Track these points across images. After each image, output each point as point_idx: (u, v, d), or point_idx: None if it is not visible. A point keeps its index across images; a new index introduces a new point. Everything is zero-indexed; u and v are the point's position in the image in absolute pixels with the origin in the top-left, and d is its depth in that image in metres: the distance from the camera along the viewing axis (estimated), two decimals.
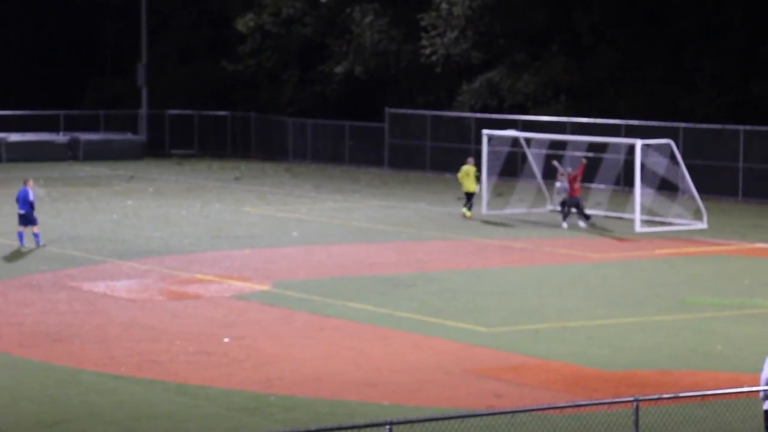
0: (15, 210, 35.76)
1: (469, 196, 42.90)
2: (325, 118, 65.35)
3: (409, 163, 60.52)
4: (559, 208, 41.64)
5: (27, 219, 34.69)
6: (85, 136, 64.84)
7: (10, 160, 61.79)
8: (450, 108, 61.44)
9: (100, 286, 29.54)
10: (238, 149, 67.95)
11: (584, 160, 42.40)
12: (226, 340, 24.08)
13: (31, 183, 35.63)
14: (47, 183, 51.87)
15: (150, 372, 21.70)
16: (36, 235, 34.79)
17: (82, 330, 24.87)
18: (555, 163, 42.85)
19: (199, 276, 31.25)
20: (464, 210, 43.03)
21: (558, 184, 41.15)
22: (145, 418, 18.85)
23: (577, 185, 40.44)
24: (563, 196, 40.68)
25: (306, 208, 45.43)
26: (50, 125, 65.72)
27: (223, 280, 30.68)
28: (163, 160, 65.24)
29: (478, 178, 43.37)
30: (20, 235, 34.74)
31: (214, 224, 40.91)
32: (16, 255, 33.89)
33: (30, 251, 34.31)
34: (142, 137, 67.37)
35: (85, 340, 24.02)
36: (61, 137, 64.65)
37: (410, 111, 61.89)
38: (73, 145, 64.27)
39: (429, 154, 59.81)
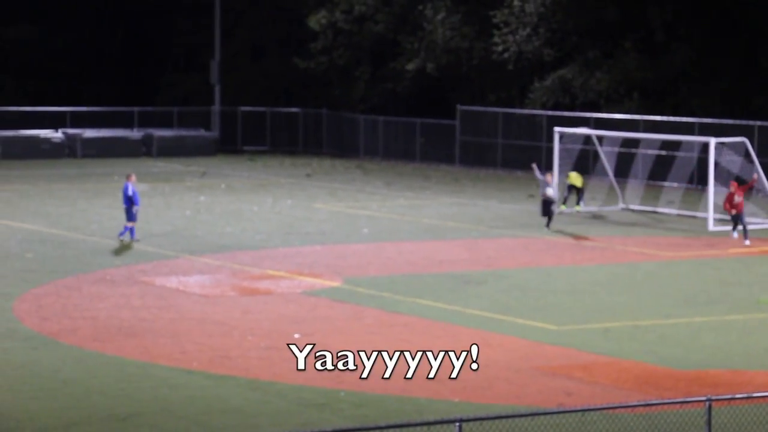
0: (89, 205, 36.34)
1: (577, 191, 43.24)
2: (397, 115, 65.37)
3: (480, 161, 60.39)
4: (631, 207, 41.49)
5: (127, 213, 35.04)
6: (158, 133, 65.40)
7: (86, 155, 62.47)
8: (522, 105, 61.23)
9: (172, 282, 29.78)
10: (310, 146, 68.17)
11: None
12: (296, 336, 24.18)
13: (133, 178, 35.94)
14: (121, 179, 52.34)
15: (221, 367, 21.85)
16: (128, 229, 35.12)
17: (155, 325, 25.09)
18: (534, 166, 41.88)
19: (270, 272, 31.40)
20: (577, 207, 43.49)
21: (538, 175, 40.14)
22: (217, 412, 18.98)
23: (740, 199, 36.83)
24: (546, 190, 38.84)
25: (377, 204, 45.48)
26: (125, 122, 66.34)
27: (294, 277, 30.80)
28: (235, 156, 65.61)
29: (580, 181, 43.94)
30: (126, 229, 35.14)
31: (285, 220, 41.08)
32: (96, 250, 34.22)
33: (128, 245, 34.63)
34: (214, 134, 67.81)
35: (157, 334, 24.23)
36: (135, 133, 65.25)
37: (482, 108, 61.76)
38: (147, 141, 64.85)
39: (500, 152, 59.64)
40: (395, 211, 43.62)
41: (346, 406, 19.49)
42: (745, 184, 38.60)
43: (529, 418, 15.80)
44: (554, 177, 42.62)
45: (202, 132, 67.28)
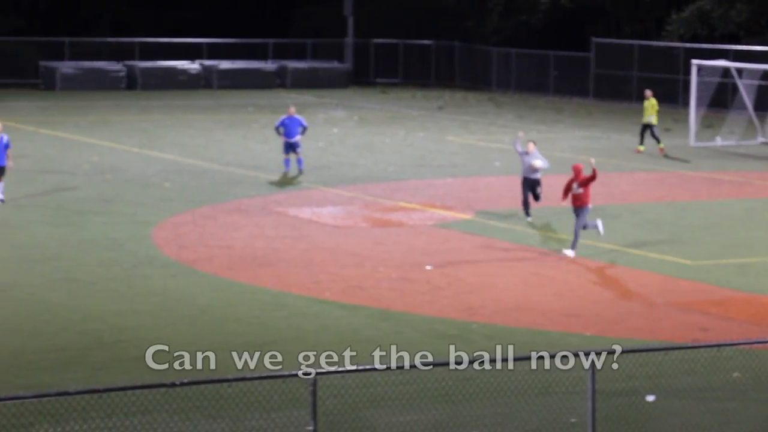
0: (224, 135, 36.69)
1: (649, 129, 41.58)
2: (530, 47, 64.79)
3: (614, 94, 59.63)
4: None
5: (294, 146, 35.30)
6: (292, 64, 65.77)
7: (221, 87, 63.13)
8: (658, 38, 60.18)
9: (305, 212, 30.05)
10: (442, 78, 67.95)
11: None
12: (428, 267, 24.26)
13: (293, 109, 36.23)
14: (256, 110, 52.84)
15: (354, 297, 22.04)
16: (300, 161, 35.48)
17: (289, 255, 25.37)
18: (519, 135, 31.79)
19: (402, 204, 31.50)
20: (640, 147, 41.61)
21: (518, 147, 30.22)
22: (350, 342, 19.17)
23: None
24: (533, 162, 29.15)
25: (509, 138, 45.25)
26: (259, 53, 66.83)
27: (426, 209, 30.86)
28: (367, 88, 65.72)
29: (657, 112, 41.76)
30: (286, 162, 35.49)
31: (417, 153, 41.11)
32: (232, 180, 34.66)
33: (296, 176, 35.00)
34: (347, 66, 67.97)
35: (290, 264, 24.51)
36: (269, 65, 65.72)
37: (617, 41, 60.86)
38: (281, 72, 65.28)
39: (635, 85, 58.79)
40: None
41: (477, 337, 19.54)
42: None
43: (663, 352, 15.68)
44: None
45: (335, 64, 67.48)
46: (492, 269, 24.29)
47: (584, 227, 25.57)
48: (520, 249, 26.26)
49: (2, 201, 29.70)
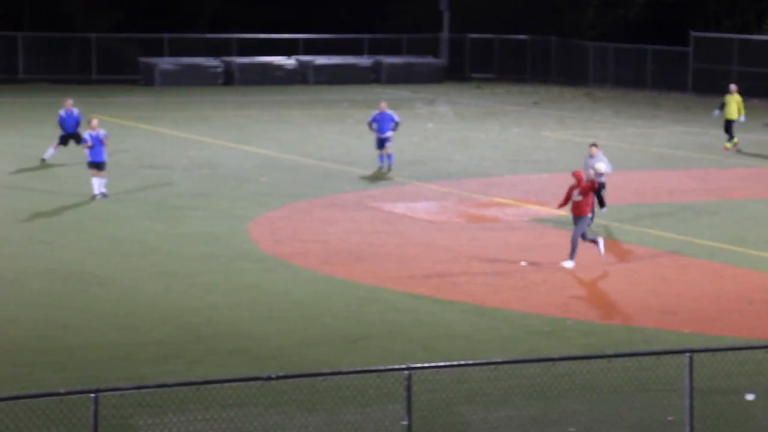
0: (319, 131, 36.76)
1: (730, 124, 40.45)
2: (627, 41, 64.23)
3: (714, 89, 58.84)
4: None
5: (384, 141, 35.37)
6: (387, 60, 65.87)
7: (317, 82, 63.43)
8: (759, 31, 59.33)
9: (400, 207, 30.10)
10: (538, 73, 67.62)
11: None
12: (522, 263, 24.18)
13: (384, 105, 36.32)
14: (351, 105, 53.02)
15: (448, 292, 22.04)
16: (389, 156, 35.54)
17: (383, 249, 25.44)
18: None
19: (497, 199, 31.43)
20: (728, 143, 40.62)
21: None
22: (444, 337, 19.18)
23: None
24: (596, 165, 26.93)
25: (605, 133, 44.90)
26: (355, 49, 67.02)
27: (521, 204, 30.76)
28: (462, 83, 65.63)
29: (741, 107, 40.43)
30: (380, 158, 35.60)
31: (512, 148, 40.99)
32: (327, 175, 34.81)
33: (387, 171, 35.07)
34: (442, 61, 67.92)
35: (385, 259, 24.57)
36: (365, 60, 65.87)
37: (716, 34, 60.12)
38: (376, 68, 65.42)
39: (735, 79, 58.02)
40: (624, 140, 43.00)
41: (572, 334, 19.45)
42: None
43: (763, 350, 15.48)
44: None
45: (430, 59, 67.46)
46: (587, 265, 24.13)
47: (583, 237, 23.80)
48: (615, 245, 26.06)
49: (105, 195, 30.14)
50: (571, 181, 24.33)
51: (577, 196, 23.97)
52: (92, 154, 30.27)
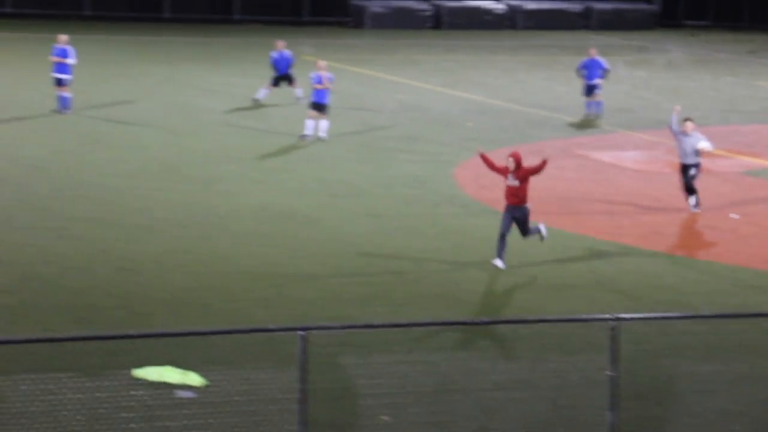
0: (527, 77, 36.29)
1: None
2: None
3: None
4: None
5: (593, 88, 35.10)
6: (598, 6, 64.92)
7: (526, 27, 62.95)
8: None
9: (607, 156, 29.75)
10: (756, 21, 65.70)
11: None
12: (733, 216, 23.68)
13: (594, 51, 36.00)
14: (560, 51, 52.48)
15: (655, 243, 21.75)
16: (598, 104, 35.24)
17: (589, 198, 25.22)
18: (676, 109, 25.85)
19: (707, 150, 30.74)
20: None
21: (674, 124, 24.76)
22: (650, 288, 18.96)
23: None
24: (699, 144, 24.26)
25: None
26: None
27: (733, 156, 30.06)
28: (675, 30, 64.24)
29: None
30: (588, 105, 35.32)
31: (724, 98, 40.02)
32: (534, 122, 34.61)
33: (595, 119, 34.81)
34: (655, 7, 66.59)
35: (591, 208, 24.37)
36: (575, 6, 65.06)
37: None
38: (586, 14, 64.56)
39: None
40: None
41: None
42: None
43: None
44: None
45: (642, 5, 66.24)
46: None
47: (525, 233, 20.32)
48: None
49: (322, 139, 30.29)
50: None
51: (512, 181, 20.54)
52: (315, 96, 30.60)
